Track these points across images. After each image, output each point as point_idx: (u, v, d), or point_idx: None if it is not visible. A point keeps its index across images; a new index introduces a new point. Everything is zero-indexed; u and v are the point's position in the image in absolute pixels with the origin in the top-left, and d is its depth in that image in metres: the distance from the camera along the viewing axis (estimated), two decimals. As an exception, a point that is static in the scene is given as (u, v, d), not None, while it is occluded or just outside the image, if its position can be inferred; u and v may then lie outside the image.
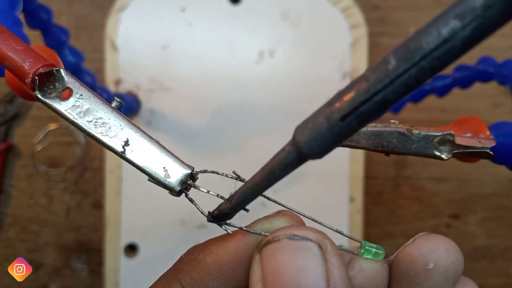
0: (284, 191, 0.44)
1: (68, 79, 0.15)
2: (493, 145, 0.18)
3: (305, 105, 0.44)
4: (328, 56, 0.44)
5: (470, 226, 0.48)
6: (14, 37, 0.14)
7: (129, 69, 0.44)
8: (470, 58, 0.22)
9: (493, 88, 0.46)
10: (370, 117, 0.10)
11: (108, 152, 0.17)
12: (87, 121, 0.15)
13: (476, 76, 0.32)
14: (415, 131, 0.17)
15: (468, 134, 0.19)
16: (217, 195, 0.15)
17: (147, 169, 0.15)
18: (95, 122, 0.15)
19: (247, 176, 0.14)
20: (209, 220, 0.15)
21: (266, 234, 0.14)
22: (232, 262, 0.14)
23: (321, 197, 0.44)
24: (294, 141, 0.11)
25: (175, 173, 0.15)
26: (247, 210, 0.14)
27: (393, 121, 0.17)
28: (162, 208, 0.44)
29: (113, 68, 0.44)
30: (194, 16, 0.45)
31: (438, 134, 0.17)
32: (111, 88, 0.44)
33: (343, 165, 0.44)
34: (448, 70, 0.31)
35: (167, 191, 0.15)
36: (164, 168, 0.15)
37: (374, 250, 0.15)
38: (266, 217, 0.15)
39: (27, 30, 0.21)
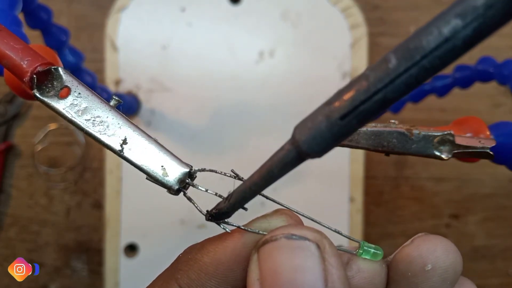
0: (284, 191, 0.44)
1: (66, 78, 0.15)
2: (493, 145, 0.18)
3: (305, 105, 0.44)
4: (328, 56, 0.44)
5: (470, 226, 0.48)
6: (12, 35, 0.14)
7: (129, 69, 0.44)
8: (470, 58, 0.22)
9: (493, 88, 0.46)
10: (370, 116, 0.10)
11: (108, 152, 0.17)
12: (85, 120, 0.15)
13: (476, 76, 0.32)
14: (415, 131, 0.17)
15: (468, 134, 0.19)
16: (216, 194, 0.15)
17: (145, 168, 0.15)
18: (93, 120, 0.15)
19: (246, 176, 0.14)
20: (207, 219, 0.15)
21: (264, 233, 0.14)
22: (230, 262, 0.14)
23: (321, 197, 0.44)
24: (293, 140, 0.11)
25: (173, 172, 0.15)
26: (245, 209, 0.14)
27: (393, 121, 0.17)
28: (162, 208, 0.44)
29: (113, 68, 0.44)
30: (194, 16, 0.44)
31: (438, 134, 0.17)
32: (111, 88, 0.44)
33: (343, 165, 0.44)
34: (448, 70, 0.31)
35: (166, 190, 0.15)
36: (162, 166, 0.15)
37: (372, 250, 0.15)
38: (264, 216, 0.15)
39: (27, 30, 0.21)
